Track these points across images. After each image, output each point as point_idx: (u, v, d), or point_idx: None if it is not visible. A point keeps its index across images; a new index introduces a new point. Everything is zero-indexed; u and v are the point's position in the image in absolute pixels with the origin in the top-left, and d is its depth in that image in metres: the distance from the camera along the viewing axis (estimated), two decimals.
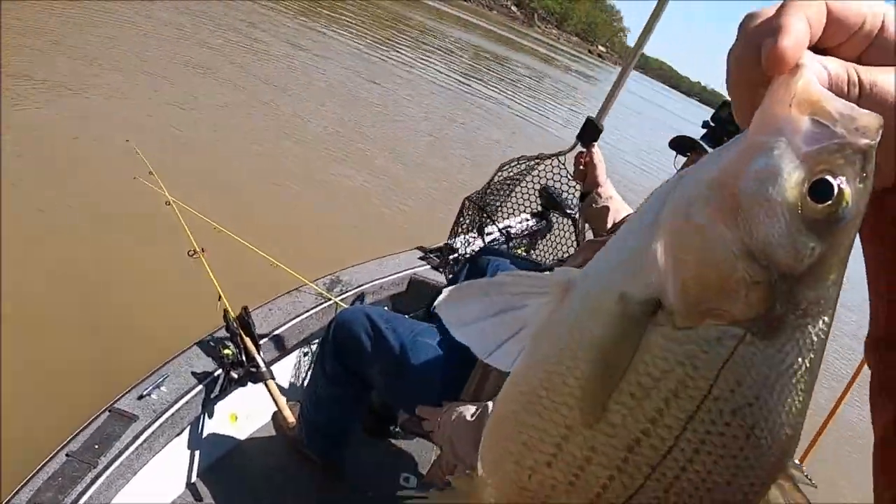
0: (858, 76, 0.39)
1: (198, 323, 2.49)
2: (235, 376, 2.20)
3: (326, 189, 6.27)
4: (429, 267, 3.18)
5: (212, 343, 2.31)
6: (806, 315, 0.37)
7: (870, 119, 0.36)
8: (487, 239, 3.50)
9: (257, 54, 10.35)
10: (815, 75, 0.38)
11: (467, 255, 3.31)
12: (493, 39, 39.77)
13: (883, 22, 0.41)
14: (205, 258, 2.61)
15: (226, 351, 2.23)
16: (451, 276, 3.15)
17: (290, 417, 2.40)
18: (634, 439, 0.39)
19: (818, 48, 0.40)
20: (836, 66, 0.39)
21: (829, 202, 0.36)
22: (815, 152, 0.36)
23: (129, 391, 2.03)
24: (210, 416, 2.29)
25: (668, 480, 0.39)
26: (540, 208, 3.97)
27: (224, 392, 2.30)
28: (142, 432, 1.92)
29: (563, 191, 3.71)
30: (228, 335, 2.31)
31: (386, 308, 2.95)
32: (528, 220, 3.84)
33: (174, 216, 2.83)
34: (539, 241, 3.80)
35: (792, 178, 0.36)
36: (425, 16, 32.92)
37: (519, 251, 3.66)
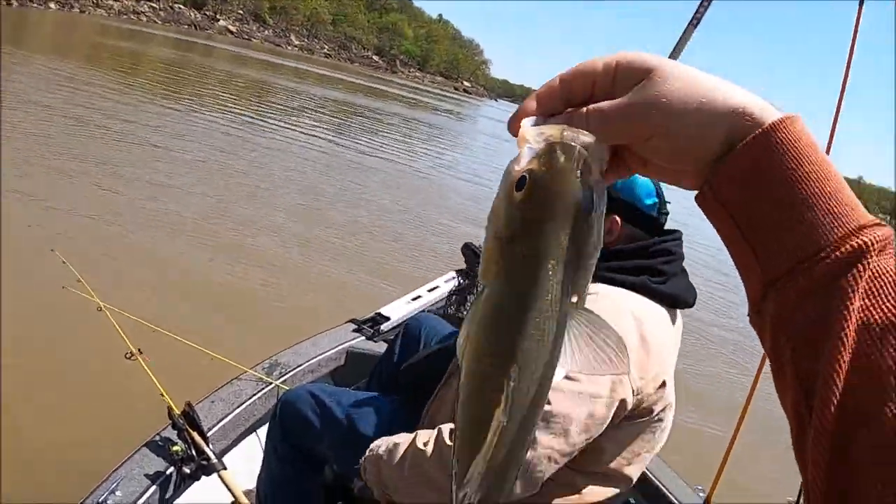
0: (587, 111, 0.56)
1: (144, 423, 2.52)
2: (188, 471, 2.23)
3: (253, 275, 6.32)
4: (363, 338, 3.27)
5: (160, 442, 2.34)
6: (525, 259, 0.53)
7: (552, 130, 0.53)
8: (417, 302, 3.61)
9: (128, 144, 10.36)
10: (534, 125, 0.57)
11: (399, 321, 3.41)
12: (359, 92, 40.47)
13: (616, 63, 0.56)
14: (142, 359, 2.66)
15: (174, 448, 2.26)
16: (387, 344, 3.23)
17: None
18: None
19: (580, 101, 0.58)
20: (572, 114, 0.57)
21: (523, 189, 0.53)
22: (516, 163, 0.54)
23: (85, 501, 2.04)
24: None
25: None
26: (465, 265, 4.11)
27: (179, 489, 2.32)
28: None
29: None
30: (175, 432, 2.35)
31: (327, 384, 3.02)
32: (453, 277, 3.98)
33: (107, 321, 2.87)
34: (468, 297, 3.92)
35: (507, 182, 0.55)
36: (289, 79, 33.40)
37: (450, 310, 3.78)
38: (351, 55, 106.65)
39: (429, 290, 3.75)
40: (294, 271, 6.75)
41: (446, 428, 1.63)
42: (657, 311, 1.69)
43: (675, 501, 2.60)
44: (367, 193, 11.40)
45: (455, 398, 0.62)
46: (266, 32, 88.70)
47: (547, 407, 1.44)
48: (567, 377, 1.36)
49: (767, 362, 0.55)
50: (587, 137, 0.53)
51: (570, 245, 0.52)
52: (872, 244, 0.49)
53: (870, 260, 0.49)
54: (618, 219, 1.82)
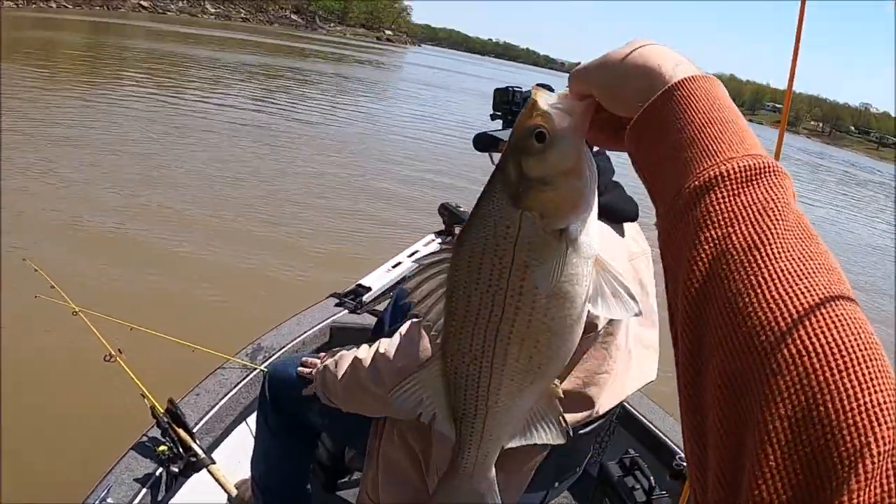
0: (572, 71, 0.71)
1: (130, 425, 2.49)
2: (176, 470, 2.21)
3: (227, 259, 6.27)
4: (346, 311, 3.23)
5: (146, 443, 2.31)
6: (536, 184, 0.68)
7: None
8: (398, 270, 3.57)
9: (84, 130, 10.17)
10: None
11: (382, 292, 3.38)
12: (282, 54, 39.70)
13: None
14: (122, 360, 2.61)
15: (161, 448, 2.23)
16: (371, 316, 3.21)
17: (242, 497, 2.42)
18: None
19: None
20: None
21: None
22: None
23: None
24: None
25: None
26: (444, 226, 4.06)
27: (171, 489, 2.29)
28: None
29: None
30: (160, 431, 2.32)
31: None
32: (433, 239, 3.93)
33: (84, 324, 2.82)
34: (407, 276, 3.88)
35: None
36: (211, 49, 32.62)
37: None
38: (269, 17, 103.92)
39: (408, 256, 3.71)
40: (270, 249, 6.70)
41: (385, 341, 1.73)
42: (602, 227, 1.65)
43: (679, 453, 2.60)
44: (312, 163, 11.32)
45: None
46: (180, 3, 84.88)
47: None
48: None
49: None
50: (550, 92, 0.72)
51: None
52: (730, 173, 0.55)
53: (727, 189, 0.55)
54: None
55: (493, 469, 0.87)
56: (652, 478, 2.48)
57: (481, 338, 0.71)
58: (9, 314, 4.15)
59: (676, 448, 2.69)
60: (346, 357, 1.84)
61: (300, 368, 2.07)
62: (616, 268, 0.72)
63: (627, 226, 1.82)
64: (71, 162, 8.37)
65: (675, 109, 0.61)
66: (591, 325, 1.61)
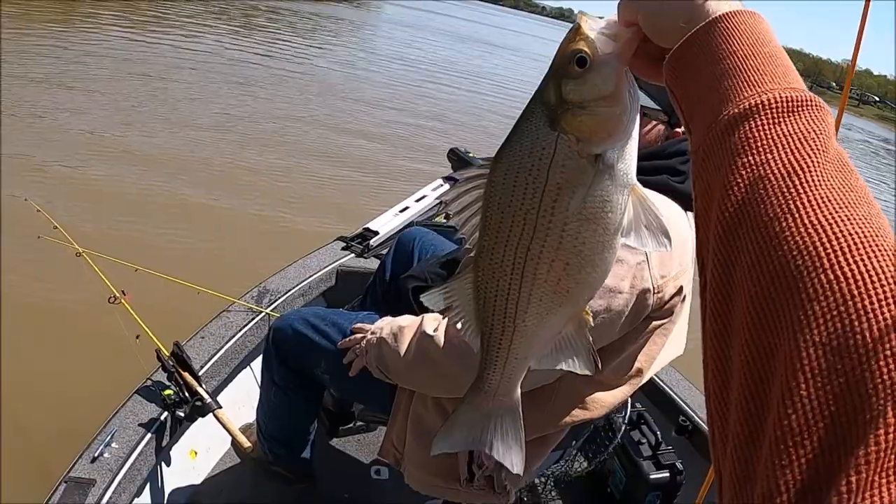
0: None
1: (133, 368, 2.47)
2: (182, 415, 2.19)
3: (233, 202, 6.20)
4: (353, 255, 3.20)
5: (151, 387, 2.29)
6: (574, 108, 0.68)
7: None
8: (405, 214, 3.52)
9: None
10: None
11: (389, 236, 3.33)
12: None
13: None
14: (126, 301, 2.58)
15: (166, 392, 2.21)
16: (379, 260, 3.17)
17: (247, 441, 2.41)
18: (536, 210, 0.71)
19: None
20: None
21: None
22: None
23: (81, 456, 2.01)
24: (168, 461, 2.29)
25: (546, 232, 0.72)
26: (451, 171, 4.01)
27: (175, 434, 2.29)
28: (103, 495, 1.90)
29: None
30: (166, 375, 2.29)
31: (320, 306, 2.97)
32: (441, 185, 3.88)
33: (88, 266, 2.79)
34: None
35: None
36: None
37: (439, 218, 3.70)
38: None
39: (416, 201, 3.66)
40: (272, 193, 6.61)
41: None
42: (677, 210, 1.61)
43: (701, 422, 2.59)
44: (312, 108, 11.14)
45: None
46: None
47: None
48: None
49: None
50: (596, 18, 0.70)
51: None
52: (771, 102, 0.55)
53: (767, 117, 0.54)
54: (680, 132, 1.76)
55: (518, 391, 0.86)
56: (658, 432, 2.47)
57: (512, 255, 0.72)
58: (11, 255, 4.11)
59: (683, 404, 2.69)
60: (406, 330, 1.69)
61: (343, 342, 1.90)
62: (656, 205, 0.72)
63: None
64: (55, 104, 8.23)
65: (717, 40, 0.60)
66: (667, 311, 1.57)
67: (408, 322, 1.71)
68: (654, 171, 1.63)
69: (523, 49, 43.04)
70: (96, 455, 2.00)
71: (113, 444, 2.05)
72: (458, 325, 0.79)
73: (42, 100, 7.94)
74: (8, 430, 2.95)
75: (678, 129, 1.70)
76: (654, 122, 1.70)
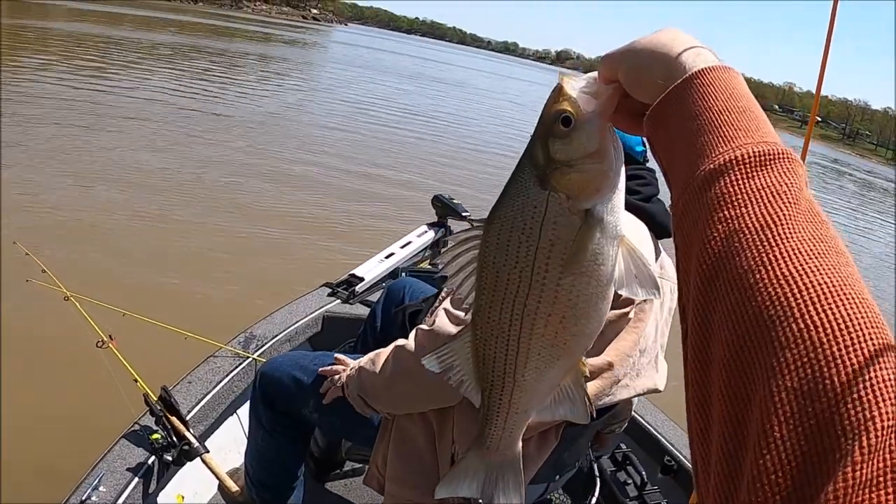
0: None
1: (122, 412, 2.48)
2: (170, 459, 2.20)
3: (218, 248, 6.24)
4: (339, 301, 3.23)
5: (139, 431, 2.30)
6: (562, 166, 0.71)
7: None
8: (390, 260, 3.57)
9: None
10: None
11: (375, 282, 3.38)
12: (207, 33, 38.36)
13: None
14: (114, 346, 2.60)
15: (154, 436, 2.22)
16: (364, 306, 3.21)
17: (235, 486, 2.42)
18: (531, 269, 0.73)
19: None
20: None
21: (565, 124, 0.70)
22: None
23: (69, 499, 2.00)
24: None
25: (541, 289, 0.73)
26: (436, 217, 4.07)
27: (163, 478, 2.29)
28: None
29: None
30: (154, 419, 2.30)
31: (306, 351, 2.99)
32: (426, 231, 3.94)
33: (75, 310, 2.81)
34: (442, 249, 3.88)
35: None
36: (133, 28, 31.65)
37: (424, 264, 3.75)
38: None
39: (401, 247, 3.70)
40: (258, 242, 6.68)
41: (424, 327, 1.72)
42: (636, 224, 1.71)
43: (686, 461, 2.62)
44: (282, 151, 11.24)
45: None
46: None
47: None
48: None
49: None
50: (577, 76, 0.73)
51: None
52: (745, 157, 0.57)
53: (741, 172, 0.57)
54: None
55: (520, 444, 0.89)
56: (644, 472, 2.50)
57: (509, 313, 0.74)
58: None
59: (668, 444, 2.72)
60: (382, 353, 1.80)
61: (323, 369, 2.02)
62: (641, 252, 0.74)
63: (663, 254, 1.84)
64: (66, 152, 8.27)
65: (694, 96, 0.63)
66: (626, 301, 1.63)
67: (382, 349, 1.81)
68: None
69: (471, 84, 43.46)
70: (83, 499, 2.00)
71: (101, 488, 2.06)
72: (459, 384, 0.82)
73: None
74: None
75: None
76: None
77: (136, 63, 18.32)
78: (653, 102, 0.67)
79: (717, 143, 0.60)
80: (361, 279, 3.35)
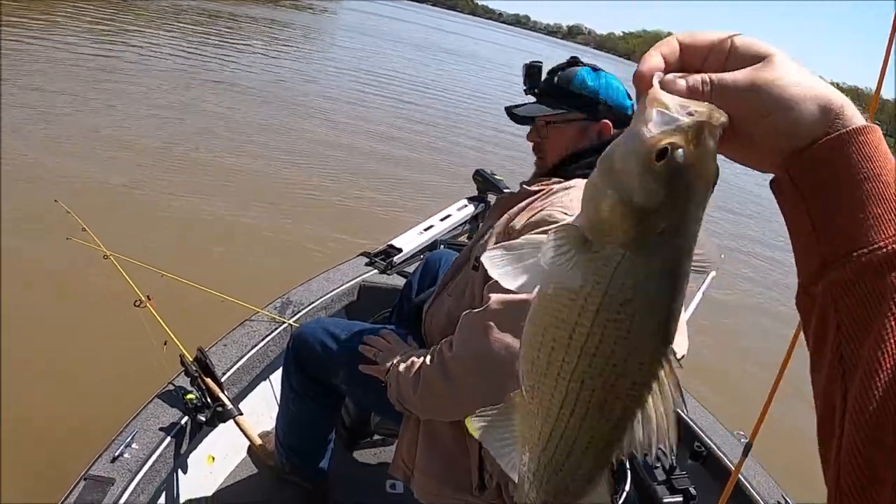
0: (710, 79, 0.58)
1: (157, 372, 2.48)
2: (203, 419, 2.20)
3: (261, 212, 6.24)
4: (376, 271, 3.21)
5: (173, 391, 2.30)
6: (664, 235, 0.53)
7: (699, 107, 0.53)
8: (429, 233, 3.54)
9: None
10: (671, 85, 0.57)
11: (413, 254, 3.35)
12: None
13: (732, 41, 0.60)
14: (151, 306, 2.60)
15: (188, 396, 2.22)
16: (401, 277, 3.18)
17: (267, 447, 2.42)
18: (572, 329, 0.57)
19: (692, 68, 0.60)
20: (692, 77, 0.58)
21: (665, 159, 0.51)
22: (649, 126, 0.52)
23: (101, 455, 2.02)
24: (187, 464, 2.30)
25: (590, 357, 0.56)
26: (476, 192, 4.03)
27: (195, 438, 2.30)
28: (121, 495, 1.91)
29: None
30: (189, 379, 2.30)
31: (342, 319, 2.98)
32: (465, 205, 3.90)
33: (114, 269, 2.81)
34: (481, 223, 3.85)
35: (642, 147, 0.52)
36: None
37: (462, 238, 3.71)
38: None
39: (441, 220, 3.67)
40: (300, 206, 6.67)
41: (446, 340, 1.72)
42: None
43: (716, 448, 2.58)
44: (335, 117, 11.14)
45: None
46: None
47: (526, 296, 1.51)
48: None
49: None
50: (724, 118, 0.54)
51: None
52: None
53: None
54: (609, 123, 1.85)
55: None
56: (673, 458, 2.46)
57: (564, 388, 0.62)
58: (40, 255, 4.16)
59: (698, 430, 2.67)
60: (415, 364, 1.79)
61: (362, 346, 2.00)
62: None
63: None
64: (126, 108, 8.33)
65: (858, 157, 0.56)
66: None
67: (419, 355, 1.81)
68: None
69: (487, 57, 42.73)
70: (116, 455, 2.01)
71: (133, 445, 2.06)
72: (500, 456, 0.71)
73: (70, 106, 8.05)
74: (24, 426, 2.97)
75: (606, 122, 1.84)
76: (571, 122, 1.86)
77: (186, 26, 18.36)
78: (774, 146, 0.59)
79: (891, 221, 0.54)
80: (399, 250, 3.32)
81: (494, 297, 1.59)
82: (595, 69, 1.92)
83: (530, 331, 0.61)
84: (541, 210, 1.66)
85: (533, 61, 2.01)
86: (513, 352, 1.49)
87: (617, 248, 0.54)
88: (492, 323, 1.57)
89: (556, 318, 0.58)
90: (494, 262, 0.61)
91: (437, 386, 1.68)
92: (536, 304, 0.61)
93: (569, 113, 1.86)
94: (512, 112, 1.99)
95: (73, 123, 7.50)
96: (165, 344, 2.45)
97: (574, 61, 1.95)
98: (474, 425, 0.72)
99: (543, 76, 1.97)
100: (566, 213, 1.58)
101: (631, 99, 1.85)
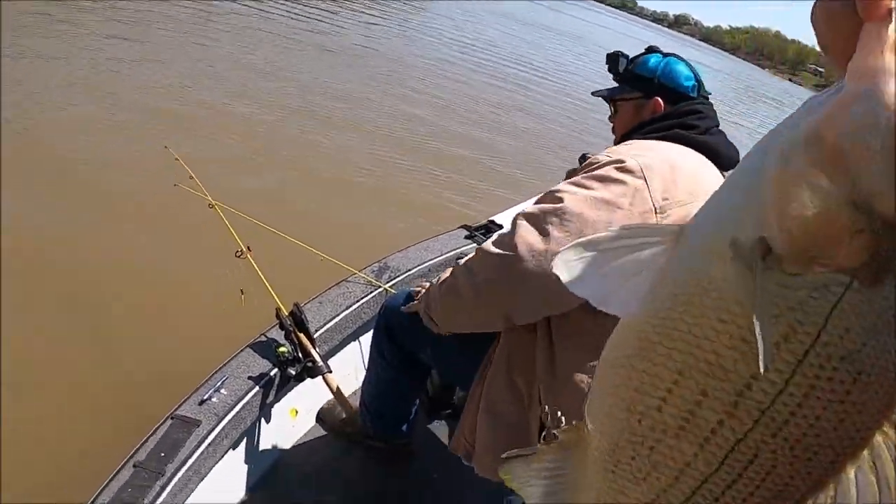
0: None
1: (251, 322, 2.49)
2: (292, 373, 2.19)
3: (364, 176, 6.24)
4: (475, 245, 3.14)
5: (266, 342, 2.31)
6: None
7: None
8: None
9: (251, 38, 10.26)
10: None
11: None
12: None
13: None
14: (252, 257, 2.61)
15: (281, 349, 2.22)
16: None
17: (353, 407, 2.42)
18: (745, 383, 0.40)
19: None
20: None
21: None
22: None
23: (190, 397, 2.05)
24: (271, 415, 2.30)
25: (778, 424, 0.41)
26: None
27: (282, 390, 2.31)
28: (206, 436, 1.93)
29: None
30: (283, 333, 2.31)
31: None
32: None
33: (218, 219, 2.83)
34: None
35: (892, 125, 0.32)
36: None
37: None
38: None
39: None
40: (407, 174, 6.65)
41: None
42: (694, 155, 1.69)
43: None
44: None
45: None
46: None
47: (559, 204, 1.51)
48: (576, 183, 1.53)
49: None
50: None
51: None
52: None
53: None
54: (660, 100, 1.88)
55: None
56: None
57: (715, 459, 0.45)
58: (148, 200, 4.26)
59: None
60: (448, 271, 1.83)
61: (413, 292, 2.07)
62: None
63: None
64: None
65: None
66: None
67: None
68: (667, 128, 1.76)
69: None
70: (204, 398, 2.03)
71: (222, 391, 2.07)
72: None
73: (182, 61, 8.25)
74: (119, 367, 3.04)
75: (657, 99, 1.87)
76: (629, 101, 1.94)
77: None
78: None
79: None
80: (500, 226, 3.25)
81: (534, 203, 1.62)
82: (666, 55, 1.97)
83: (640, 372, 0.45)
84: None
85: (615, 51, 2.09)
86: (534, 252, 1.50)
87: (837, 274, 0.37)
88: (522, 221, 1.57)
89: (705, 363, 0.41)
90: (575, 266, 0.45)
91: (461, 281, 1.70)
92: (646, 335, 0.44)
93: (628, 92, 1.96)
94: (593, 93, 2.14)
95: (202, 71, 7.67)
96: (270, 294, 2.46)
97: (650, 49, 2.02)
98: (509, 473, 0.59)
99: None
100: (609, 156, 1.59)
101: (694, 80, 1.91)
